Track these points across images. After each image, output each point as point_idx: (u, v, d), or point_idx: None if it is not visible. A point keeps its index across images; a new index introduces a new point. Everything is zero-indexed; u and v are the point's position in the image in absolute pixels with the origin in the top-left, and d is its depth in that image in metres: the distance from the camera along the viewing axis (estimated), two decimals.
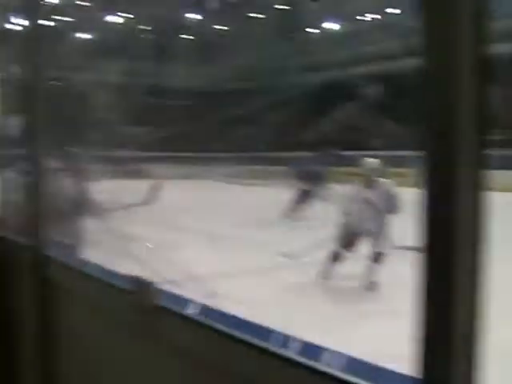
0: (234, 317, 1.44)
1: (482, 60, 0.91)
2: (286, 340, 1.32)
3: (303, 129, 30.35)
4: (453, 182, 0.92)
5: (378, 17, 37.05)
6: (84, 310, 1.95)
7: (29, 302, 2.22)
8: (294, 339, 1.34)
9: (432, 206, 0.95)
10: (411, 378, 1.00)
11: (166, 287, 1.64)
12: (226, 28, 37.54)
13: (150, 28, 35.53)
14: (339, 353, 1.28)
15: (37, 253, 2.17)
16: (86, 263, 2.04)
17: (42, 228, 2.21)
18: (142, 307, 1.51)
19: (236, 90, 34.47)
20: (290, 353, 1.25)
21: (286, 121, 28.47)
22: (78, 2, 27.95)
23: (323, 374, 1.16)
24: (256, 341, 1.27)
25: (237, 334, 1.28)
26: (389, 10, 35.14)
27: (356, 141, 35.83)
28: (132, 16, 32.80)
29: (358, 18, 37.10)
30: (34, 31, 2.12)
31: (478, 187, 0.92)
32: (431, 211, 0.95)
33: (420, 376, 0.98)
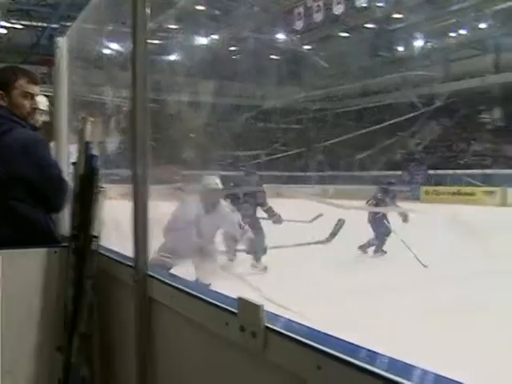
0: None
1: None
2: None
3: (390, 147, 30.02)
4: None
5: (464, 32, 36.53)
6: (186, 330, 1.95)
7: (130, 320, 2.25)
8: None
9: None
10: None
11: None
12: (312, 48, 37.70)
13: (237, 49, 36.13)
14: None
15: (139, 272, 2.20)
16: (189, 283, 2.04)
17: (143, 247, 2.24)
18: (248, 328, 1.49)
19: (323, 110, 34.49)
20: None
21: (373, 140, 28.23)
22: (166, 26, 28.79)
23: None
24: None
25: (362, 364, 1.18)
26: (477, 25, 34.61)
27: (445, 159, 35.11)
28: (218, 37, 33.43)
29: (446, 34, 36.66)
30: (141, 54, 2.17)
31: None
32: None
33: None
